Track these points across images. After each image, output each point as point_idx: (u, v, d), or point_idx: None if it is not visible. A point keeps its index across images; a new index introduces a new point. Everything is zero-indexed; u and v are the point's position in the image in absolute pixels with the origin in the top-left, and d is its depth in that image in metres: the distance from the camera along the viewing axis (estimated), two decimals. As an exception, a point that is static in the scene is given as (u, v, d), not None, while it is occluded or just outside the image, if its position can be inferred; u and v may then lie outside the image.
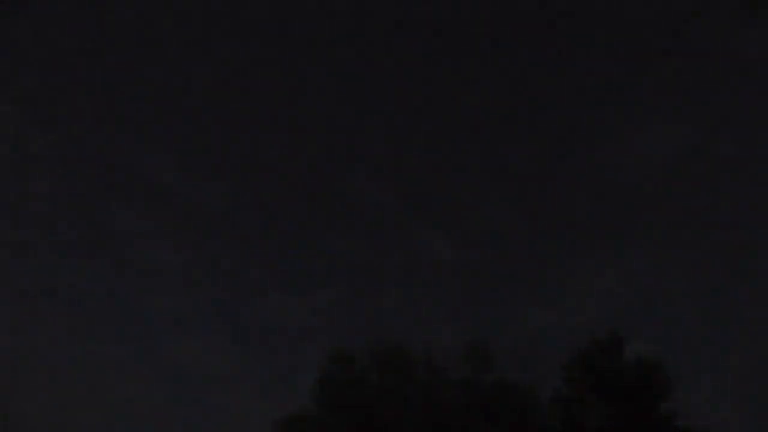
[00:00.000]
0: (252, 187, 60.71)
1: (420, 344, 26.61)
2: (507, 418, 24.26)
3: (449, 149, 60.96)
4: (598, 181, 58.48)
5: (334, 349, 26.60)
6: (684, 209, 54.24)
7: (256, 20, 60.88)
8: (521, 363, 25.60)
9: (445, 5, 59.30)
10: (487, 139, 61.17)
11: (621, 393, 24.07)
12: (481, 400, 24.40)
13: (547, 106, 61.63)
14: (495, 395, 24.46)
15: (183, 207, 58.77)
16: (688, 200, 54.72)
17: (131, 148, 60.02)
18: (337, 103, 62.32)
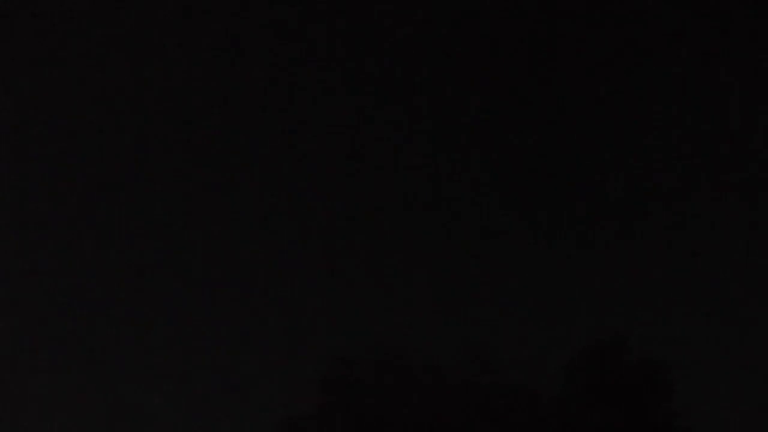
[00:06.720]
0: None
1: (420, 345, 26.68)
2: (507, 419, 24.29)
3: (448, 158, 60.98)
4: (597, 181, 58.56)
5: (334, 351, 26.64)
6: (683, 207, 54.36)
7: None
8: (521, 364, 25.67)
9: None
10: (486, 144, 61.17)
11: (622, 394, 24.10)
12: (481, 401, 24.44)
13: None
14: (495, 397, 24.50)
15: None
16: (688, 198, 54.80)
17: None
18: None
